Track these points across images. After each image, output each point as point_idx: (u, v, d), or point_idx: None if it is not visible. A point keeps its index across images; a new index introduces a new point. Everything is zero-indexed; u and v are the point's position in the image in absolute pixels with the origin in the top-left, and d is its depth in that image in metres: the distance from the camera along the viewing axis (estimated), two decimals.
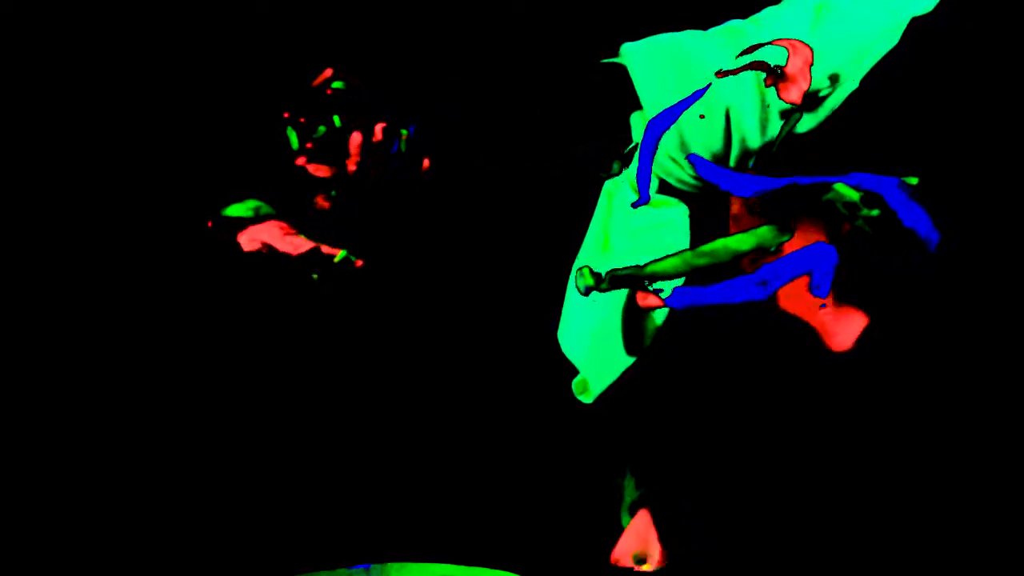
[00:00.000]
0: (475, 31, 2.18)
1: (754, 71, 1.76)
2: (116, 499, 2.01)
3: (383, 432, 2.03)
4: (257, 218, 2.16)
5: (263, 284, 2.14)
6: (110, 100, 2.17)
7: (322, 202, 2.17)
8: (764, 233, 1.72)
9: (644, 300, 1.72)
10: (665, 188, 1.83)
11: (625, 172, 1.84)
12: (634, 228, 1.83)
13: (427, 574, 1.81)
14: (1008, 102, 1.90)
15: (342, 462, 2.01)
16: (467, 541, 1.86)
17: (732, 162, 1.77)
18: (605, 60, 1.84)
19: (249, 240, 2.14)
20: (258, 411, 2.06)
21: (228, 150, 2.18)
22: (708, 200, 1.79)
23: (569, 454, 1.92)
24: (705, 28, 1.88)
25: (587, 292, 1.82)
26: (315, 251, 2.13)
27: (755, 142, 1.76)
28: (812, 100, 1.80)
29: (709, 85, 1.77)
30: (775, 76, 1.76)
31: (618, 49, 1.91)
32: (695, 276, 1.74)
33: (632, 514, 1.82)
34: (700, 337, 1.81)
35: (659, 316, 1.81)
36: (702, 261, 1.73)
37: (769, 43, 1.78)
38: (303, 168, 2.17)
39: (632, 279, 1.73)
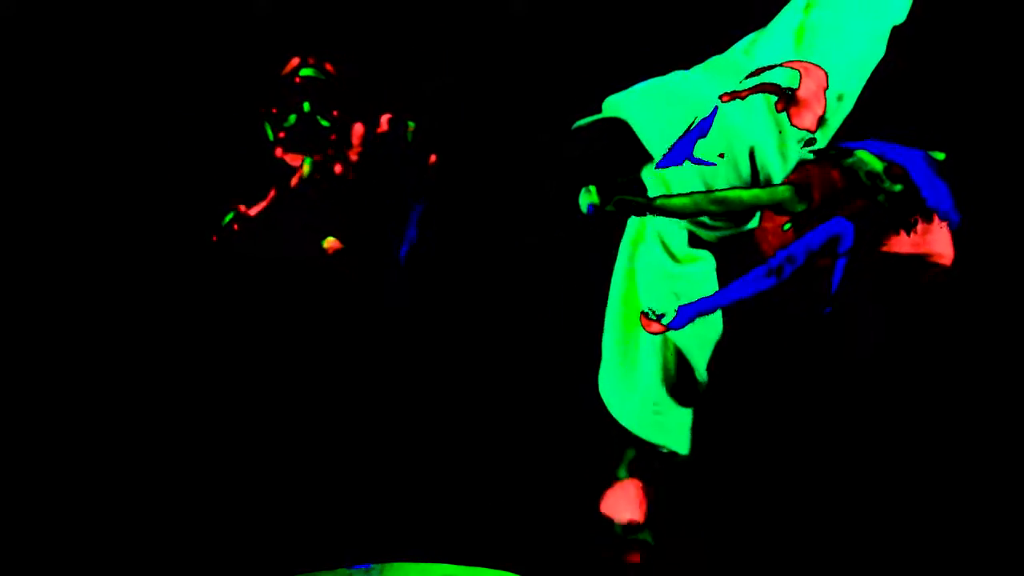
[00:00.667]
0: (475, 32, 2.18)
1: (764, 94, 1.73)
2: (117, 499, 2.01)
3: (384, 433, 2.03)
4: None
5: (264, 288, 2.14)
6: (102, 101, 2.17)
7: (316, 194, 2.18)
8: (783, 193, 1.68)
9: (647, 326, 1.70)
10: (693, 240, 1.79)
11: (648, 223, 1.79)
12: (661, 276, 1.78)
13: (427, 574, 1.81)
14: None
15: (342, 463, 2.01)
16: (467, 541, 1.86)
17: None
18: (584, 121, 1.80)
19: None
20: (259, 413, 2.06)
21: (224, 151, 2.18)
22: (733, 247, 1.76)
23: (569, 455, 1.92)
24: (684, 58, 1.85)
25: (590, 210, 1.76)
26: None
27: (778, 175, 1.72)
28: (820, 123, 1.78)
29: (716, 110, 1.73)
30: (787, 100, 1.72)
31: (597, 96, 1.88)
32: (701, 217, 1.70)
33: (630, 472, 1.78)
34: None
35: (701, 365, 1.76)
36: (713, 207, 1.70)
37: (779, 65, 1.74)
38: (281, 159, 2.19)
39: (639, 206, 1.69)
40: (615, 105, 1.79)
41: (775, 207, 1.68)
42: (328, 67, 2.20)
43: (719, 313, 1.75)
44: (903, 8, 1.78)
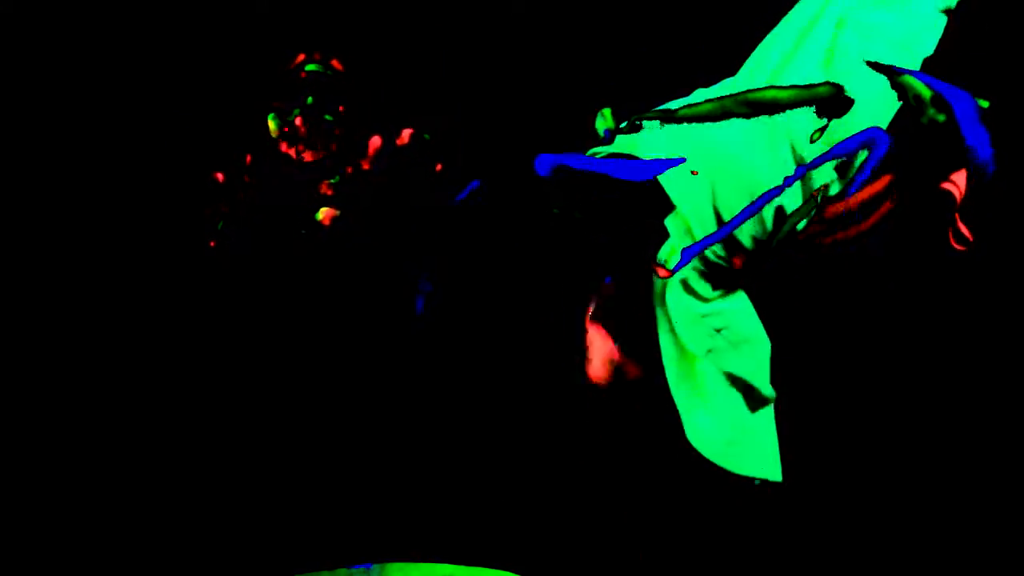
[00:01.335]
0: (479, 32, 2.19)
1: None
2: (117, 499, 2.01)
3: (384, 433, 2.03)
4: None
5: (263, 286, 2.14)
6: (102, 98, 2.17)
7: (325, 189, 2.17)
8: (823, 91, 1.66)
9: (659, 273, 1.65)
10: (717, 281, 1.75)
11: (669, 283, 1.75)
12: (696, 320, 1.74)
13: (427, 574, 1.81)
14: None
15: (342, 463, 2.01)
16: (467, 541, 1.86)
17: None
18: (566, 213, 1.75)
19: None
20: (258, 412, 2.06)
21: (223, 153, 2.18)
22: (751, 272, 1.72)
23: (568, 455, 1.92)
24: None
25: (607, 135, 1.73)
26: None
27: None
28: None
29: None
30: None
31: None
32: (726, 119, 1.64)
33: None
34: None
35: (765, 386, 1.74)
36: (744, 110, 1.65)
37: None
38: (287, 155, 2.19)
39: (662, 115, 1.64)
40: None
41: (808, 100, 1.61)
42: (334, 63, 2.20)
43: (762, 330, 1.71)
44: (932, 41, 1.73)
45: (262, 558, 1.91)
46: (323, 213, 2.12)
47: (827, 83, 1.66)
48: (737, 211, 1.64)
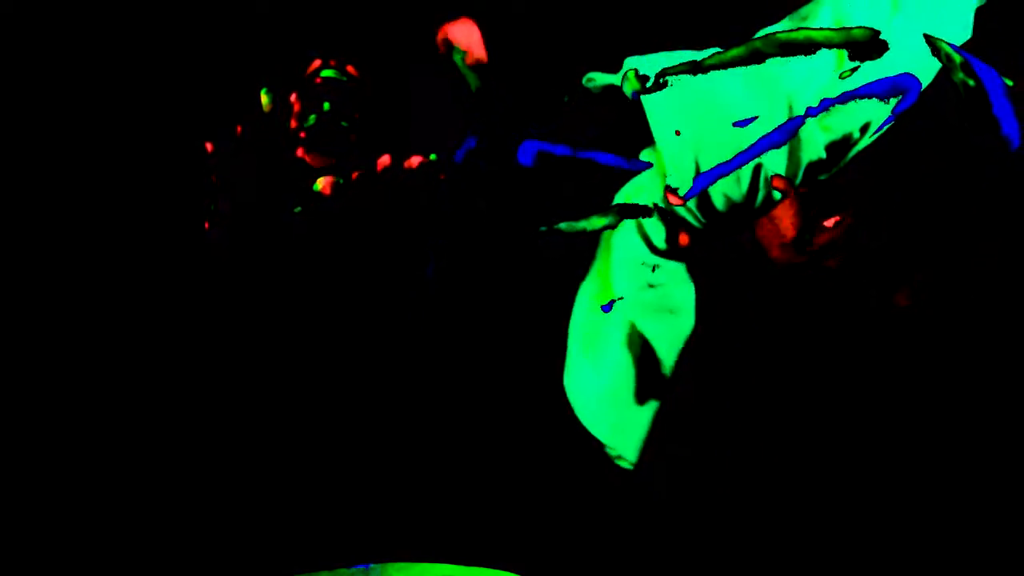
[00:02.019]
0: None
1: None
2: (116, 499, 2.01)
3: (383, 433, 2.03)
4: None
5: (261, 283, 2.14)
6: (103, 93, 2.17)
7: (326, 189, 2.18)
8: (858, 34, 1.62)
9: (669, 198, 1.63)
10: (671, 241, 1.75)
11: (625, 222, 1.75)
12: (637, 265, 1.74)
13: (427, 574, 1.81)
14: None
15: (342, 462, 2.01)
16: (467, 541, 1.86)
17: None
18: (594, 82, 1.76)
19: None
20: (258, 412, 2.06)
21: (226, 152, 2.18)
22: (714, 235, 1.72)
23: (568, 455, 1.92)
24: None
25: (635, 95, 1.70)
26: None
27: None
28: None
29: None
30: None
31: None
32: (757, 63, 1.61)
33: None
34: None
35: (668, 362, 1.72)
36: (775, 51, 1.62)
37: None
38: (302, 159, 2.19)
39: (687, 69, 1.62)
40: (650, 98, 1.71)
41: (848, 44, 1.59)
42: (350, 69, 2.21)
43: (692, 309, 1.70)
44: (966, 28, 1.71)
45: (262, 558, 1.91)
46: (322, 183, 2.13)
47: (863, 27, 1.62)
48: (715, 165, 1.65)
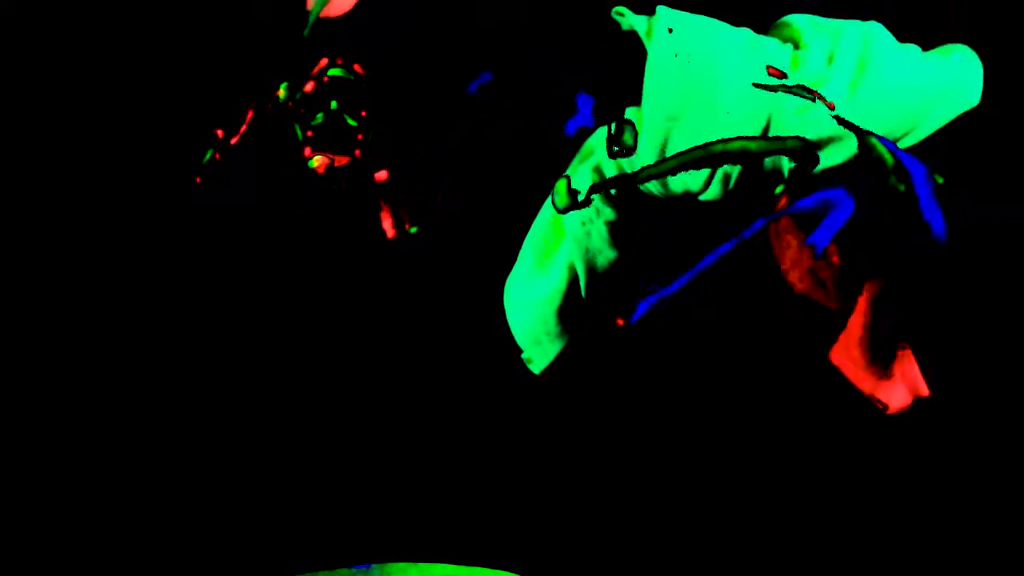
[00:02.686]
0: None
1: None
2: (116, 499, 2.01)
3: (383, 432, 2.03)
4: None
5: (260, 279, 2.13)
6: (102, 92, 2.17)
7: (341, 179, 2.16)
8: (792, 144, 1.67)
9: (618, 321, 1.70)
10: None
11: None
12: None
13: (427, 574, 1.81)
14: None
15: (342, 462, 2.00)
16: (467, 541, 1.86)
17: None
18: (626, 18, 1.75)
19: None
20: (258, 411, 2.05)
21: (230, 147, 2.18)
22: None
23: (568, 455, 1.92)
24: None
25: (564, 211, 1.77)
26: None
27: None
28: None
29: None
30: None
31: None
32: (687, 172, 1.66)
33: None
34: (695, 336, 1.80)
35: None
36: (699, 153, 1.67)
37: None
38: (309, 158, 2.18)
39: (622, 180, 1.68)
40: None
41: (778, 163, 1.64)
42: (356, 67, 2.20)
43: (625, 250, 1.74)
44: (975, 91, 1.73)
45: (262, 558, 1.91)
46: (317, 161, 2.12)
47: (796, 137, 1.67)
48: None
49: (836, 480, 1.84)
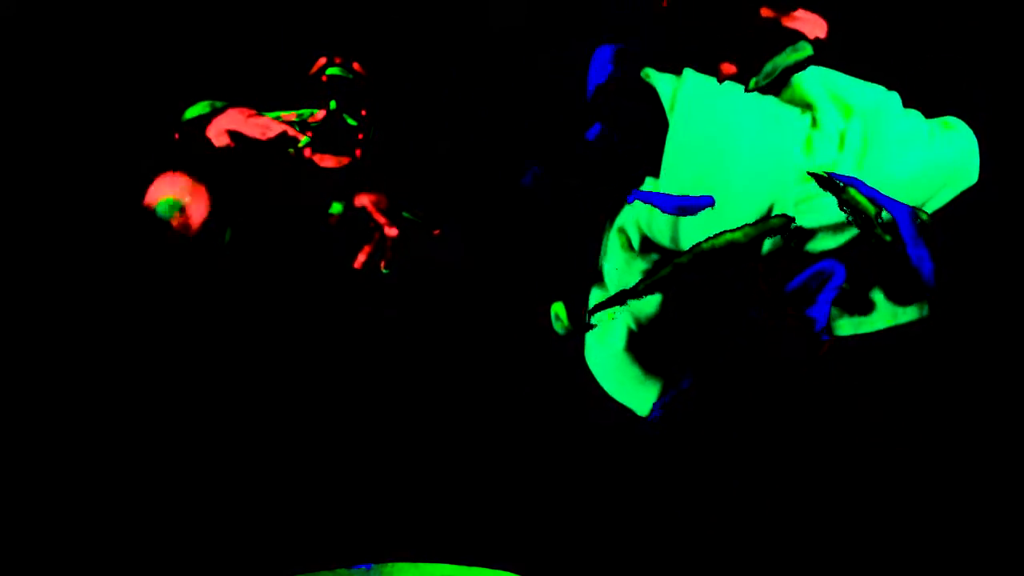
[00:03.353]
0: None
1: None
2: (116, 499, 2.01)
3: (383, 433, 2.03)
4: (215, 111, 2.12)
5: (259, 281, 2.13)
6: (102, 92, 2.17)
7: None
8: (776, 223, 1.67)
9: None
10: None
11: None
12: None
13: (427, 574, 1.81)
14: None
15: (342, 462, 2.00)
16: (467, 541, 1.86)
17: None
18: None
19: (217, 134, 2.10)
20: (258, 411, 2.05)
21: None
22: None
23: (569, 455, 1.92)
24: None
25: (565, 333, 1.81)
26: (283, 135, 2.11)
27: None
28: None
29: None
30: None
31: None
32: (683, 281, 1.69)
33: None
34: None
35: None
36: (684, 259, 1.68)
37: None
38: (311, 160, 2.17)
39: (615, 300, 1.71)
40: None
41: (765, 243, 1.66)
42: (356, 66, 2.18)
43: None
44: (972, 169, 1.73)
45: (262, 558, 1.91)
46: (338, 208, 2.10)
47: (780, 215, 1.68)
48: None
49: (835, 480, 1.84)
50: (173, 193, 1.91)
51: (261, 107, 2.15)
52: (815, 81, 1.75)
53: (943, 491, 1.77)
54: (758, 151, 1.69)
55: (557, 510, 1.89)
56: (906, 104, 1.77)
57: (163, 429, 2.04)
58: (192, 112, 2.12)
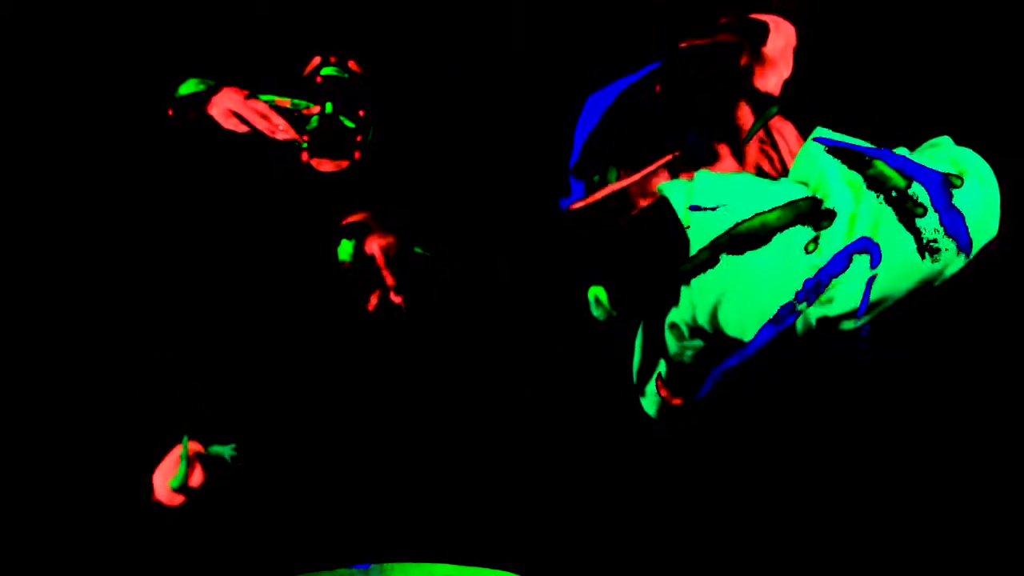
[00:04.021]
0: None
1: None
2: (116, 499, 2.01)
3: (383, 433, 2.03)
4: (210, 90, 2.05)
5: (260, 281, 2.12)
6: (102, 91, 2.16)
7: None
8: (804, 206, 1.67)
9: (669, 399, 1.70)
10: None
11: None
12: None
13: (427, 574, 1.81)
14: None
15: (341, 463, 2.00)
16: (467, 541, 1.86)
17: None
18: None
19: (221, 114, 2.02)
20: (258, 411, 2.05)
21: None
22: None
23: (569, 455, 1.92)
24: None
25: (606, 318, 1.78)
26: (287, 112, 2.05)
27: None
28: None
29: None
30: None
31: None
32: (728, 254, 1.66)
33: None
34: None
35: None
36: (731, 240, 1.66)
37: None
38: (308, 164, 2.07)
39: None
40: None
41: (800, 217, 1.63)
42: (352, 65, 2.09)
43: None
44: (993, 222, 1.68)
45: (262, 558, 1.91)
46: (347, 253, 2.03)
47: (808, 197, 1.66)
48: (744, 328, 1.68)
49: (835, 480, 1.85)
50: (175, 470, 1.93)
51: (253, 89, 2.07)
52: (821, 160, 1.71)
53: (943, 491, 1.78)
54: (769, 256, 1.68)
55: (557, 510, 1.89)
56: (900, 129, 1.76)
57: (163, 429, 2.04)
58: (185, 89, 2.04)
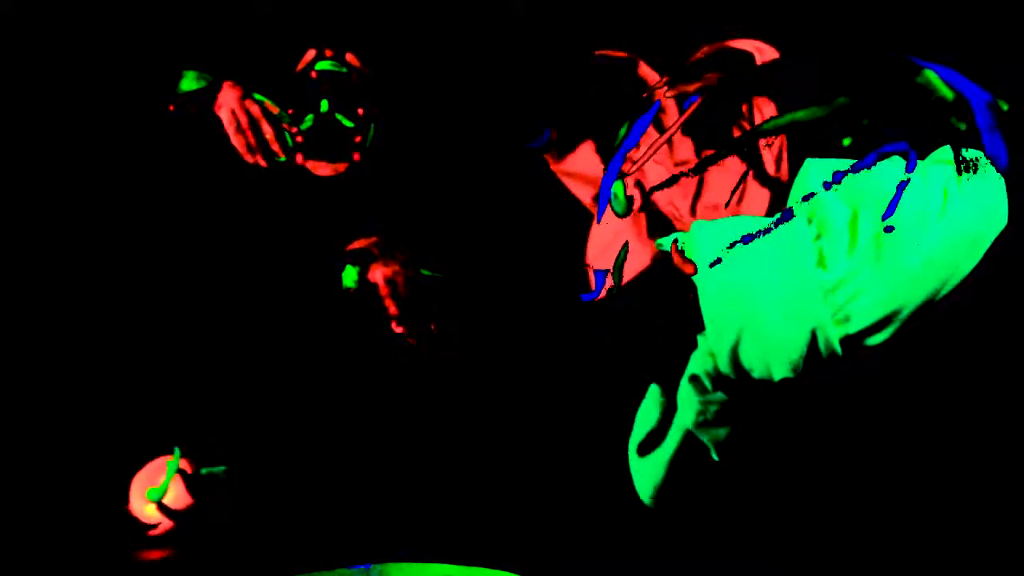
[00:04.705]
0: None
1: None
2: (116, 499, 2.01)
3: (383, 433, 2.03)
4: (210, 86, 1.94)
5: (260, 282, 2.12)
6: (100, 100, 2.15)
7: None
8: (840, 101, 1.62)
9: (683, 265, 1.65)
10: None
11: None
12: None
13: (427, 574, 1.81)
14: None
15: (341, 463, 2.00)
16: (467, 541, 1.86)
17: None
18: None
19: (227, 116, 1.93)
20: (259, 412, 2.05)
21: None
22: None
23: (569, 455, 1.92)
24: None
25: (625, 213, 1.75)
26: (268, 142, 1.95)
27: None
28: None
29: None
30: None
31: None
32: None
33: None
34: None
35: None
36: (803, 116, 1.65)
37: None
38: (302, 166, 1.96)
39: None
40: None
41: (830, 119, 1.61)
42: (349, 58, 1.96)
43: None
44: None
45: (262, 558, 1.91)
46: (352, 280, 1.97)
47: (847, 94, 1.64)
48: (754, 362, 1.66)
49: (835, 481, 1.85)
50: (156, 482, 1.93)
51: (248, 86, 1.97)
52: (812, 176, 1.70)
53: (945, 492, 1.78)
54: (779, 286, 1.66)
55: (557, 510, 1.89)
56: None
57: (164, 429, 2.04)
58: (186, 85, 1.94)
